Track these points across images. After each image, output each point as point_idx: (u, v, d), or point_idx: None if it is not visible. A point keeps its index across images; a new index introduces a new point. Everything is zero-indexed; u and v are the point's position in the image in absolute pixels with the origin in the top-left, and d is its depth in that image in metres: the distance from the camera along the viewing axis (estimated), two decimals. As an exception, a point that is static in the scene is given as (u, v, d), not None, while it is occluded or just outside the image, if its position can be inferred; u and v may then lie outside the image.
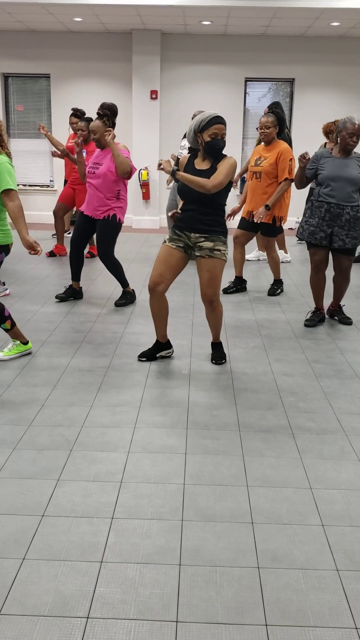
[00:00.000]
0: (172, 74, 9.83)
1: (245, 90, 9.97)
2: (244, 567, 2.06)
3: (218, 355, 3.98)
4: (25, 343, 4.00)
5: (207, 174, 3.60)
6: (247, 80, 9.93)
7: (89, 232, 5.21)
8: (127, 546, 2.15)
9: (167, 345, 4.02)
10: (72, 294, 5.41)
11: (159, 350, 4.01)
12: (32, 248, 3.60)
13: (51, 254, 7.42)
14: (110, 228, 5.06)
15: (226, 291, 5.79)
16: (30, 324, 4.69)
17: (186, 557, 2.10)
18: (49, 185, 10.45)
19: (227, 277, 6.49)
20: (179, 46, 9.71)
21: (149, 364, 3.91)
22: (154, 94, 9.62)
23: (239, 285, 5.81)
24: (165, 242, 3.76)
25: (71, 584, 1.96)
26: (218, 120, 3.50)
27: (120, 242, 8.68)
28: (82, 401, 3.34)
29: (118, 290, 5.83)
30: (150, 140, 9.79)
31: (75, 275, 5.35)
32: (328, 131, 7.24)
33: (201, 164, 3.66)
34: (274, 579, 2.01)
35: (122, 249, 8.13)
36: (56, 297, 5.34)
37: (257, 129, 5.64)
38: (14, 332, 3.91)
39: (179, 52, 9.74)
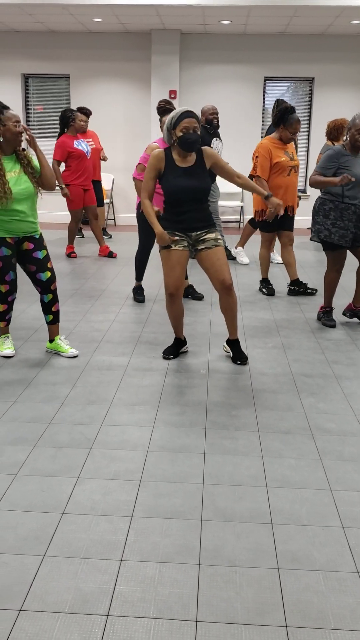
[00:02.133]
0: (191, 73, 9.83)
1: (264, 89, 9.94)
2: (263, 568, 2.05)
3: (242, 355, 3.95)
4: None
5: (196, 170, 3.65)
6: (266, 79, 9.90)
7: None
8: (147, 545, 2.15)
9: (185, 341, 4.12)
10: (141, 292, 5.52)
11: (180, 347, 4.06)
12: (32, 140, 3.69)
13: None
14: None
15: (265, 292, 5.78)
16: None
17: (205, 557, 2.10)
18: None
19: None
20: (198, 46, 9.71)
21: (167, 363, 3.91)
22: (172, 94, 9.63)
23: (269, 285, 5.78)
24: (170, 247, 3.70)
25: (91, 582, 1.97)
26: (188, 114, 3.54)
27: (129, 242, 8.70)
28: (101, 399, 3.35)
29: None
30: (169, 140, 9.80)
31: (143, 275, 5.46)
32: (334, 128, 7.19)
33: (183, 161, 3.66)
34: (294, 580, 2.00)
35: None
36: (136, 300, 5.41)
37: (290, 132, 5.47)
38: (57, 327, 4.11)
39: (198, 52, 9.74)
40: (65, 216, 10.42)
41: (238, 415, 3.19)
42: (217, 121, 6.62)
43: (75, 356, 3.99)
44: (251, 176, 5.49)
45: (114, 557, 2.09)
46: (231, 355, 4.00)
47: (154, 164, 3.65)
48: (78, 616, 1.83)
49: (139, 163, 5.02)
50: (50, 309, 4.00)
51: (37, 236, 3.86)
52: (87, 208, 7.30)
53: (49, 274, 3.89)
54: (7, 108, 3.63)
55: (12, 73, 10.06)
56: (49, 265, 3.88)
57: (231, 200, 10.11)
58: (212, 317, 4.97)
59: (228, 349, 4.05)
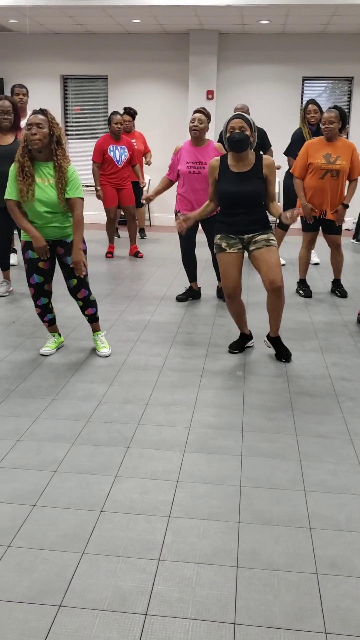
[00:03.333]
0: (229, 73, 9.81)
1: (302, 89, 9.85)
2: (302, 573, 2.03)
3: (286, 352, 3.99)
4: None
5: (250, 175, 3.72)
6: (304, 79, 9.80)
7: (195, 232, 5.27)
8: (184, 545, 2.15)
9: (251, 335, 4.21)
10: (192, 294, 5.50)
11: (246, 342, 4.17)
12: (78, 266, 3.75)
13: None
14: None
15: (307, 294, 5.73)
16: (86, 322, 4.77)
17: (243, 560, 2.09)
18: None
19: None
20: (236, 46, 9.68)
21: (203, 364, 3.91)
22: (210, 94, 9.62)
23: (307, 287, 5.73)
24: (224, 250, 3.82)
25: (129, 580, 1.98)
26: (235, 117, 3.65)
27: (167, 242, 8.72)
28: (137, 399, 3.37)
29: (172, 289, 5.85)
30: (205, 140, 9.79)
31: (193, 276, 5.47)
32: None
33: (238, 166, 3.75)
34: (332, 586, 1.98)
35: (167, 249, 8.16)
36: (177, 298, 5.44)
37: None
38: (98, 322, 4.14)
39: (236, 52, 9.71)
40: (102, 216, 10.51)
41: (275, 418, 3.17)
42: None
43: (106, 356, 4.02)
44: (291, 173, 5.55)
45: (152, 557, 2.09)
46: (274, 352, 4.09)
47: (210, 172, 3.85)
48: (117, 614, 1.84)
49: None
50: (84, 312, 4.03)
51: (68, 240, 3.81)
52: (124, 208, 7.32)
53: (75, 281, 3.84)
54: (37, 112, 3.55)
55: (52, 74, 10.20)
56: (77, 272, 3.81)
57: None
58: (248, 318, 4.95)
59: (269, 344, 4.10)
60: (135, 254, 7.51)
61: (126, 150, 7.14)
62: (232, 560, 2.08)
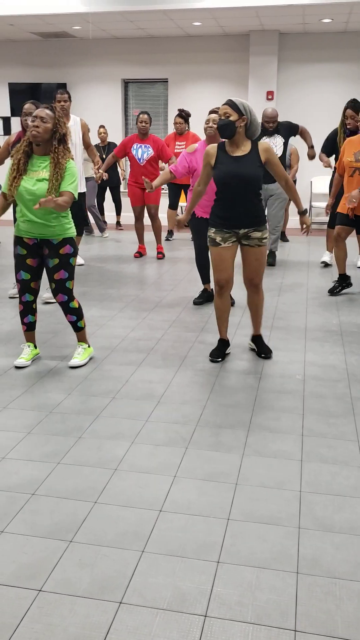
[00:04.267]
0: (289, 74, 9.71)
1: (365, 88, 9.64)
2: (364, 583, 1.98)
3: (266, 348, 4.06)
4: (89, 346, 4.00)
5: (247, 158, 3.68)
6: (367, 77, 9.59)
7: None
8: (244, 549, 2.14)
9: (228, 342, 4.13)
10: (208, 298, 5.47)
11: (225, 348, 4.07)
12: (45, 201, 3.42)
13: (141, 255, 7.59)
14: None
15: (332, 292, 5.66)
16: (146, 322, 4.82)
17: (304, 566, 2.06)
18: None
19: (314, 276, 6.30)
20: (297, 45, 9.57)
21: (262, 367, 3.88)
22: (270, 95, 9.55)
23: (344, 282, 5.67)
24: (219, 244, 3.79)
25: (189, 581, 1.98)
26: (223, 104, 3.67)
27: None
28: (194, 400, 3.37)
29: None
30: (264, 141, 9.72)
31: (206, 278, 5.48)
32: None
33: (236, 151, 3.72)
34: None
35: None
36: (194, 302, 5.41)
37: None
38: (83, 333, 3.92)
39: (297, 52, 9.60)
40: (130, 217, 10.56)
41: (336, 423, 3.11)
42: (271, 127, 6.58)
43: (72, 366, 3.83)
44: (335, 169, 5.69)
45: (211, 559, 2.09)
46: (256, 350, 4.11)
47: (205, 159, 3.82)
48: (176, 614, 1.85)
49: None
50: (66, 317, 3.87)
51: (55, 242, 3.68)
52: (147, 207, 7.35)
53: (53, 285, 3.73)
54: (45, 107, 3.56)
55: (113, 79, 10.37)
56: (55, 277, 3.69)
57: (326, 202, 9.88)
58: (307, 322, 4.87)
59: (253, 345, 4.15)
60: (158, 253, 7.55)
61: (150, 148, 7.12)
62: (292, 566, 2.05)
